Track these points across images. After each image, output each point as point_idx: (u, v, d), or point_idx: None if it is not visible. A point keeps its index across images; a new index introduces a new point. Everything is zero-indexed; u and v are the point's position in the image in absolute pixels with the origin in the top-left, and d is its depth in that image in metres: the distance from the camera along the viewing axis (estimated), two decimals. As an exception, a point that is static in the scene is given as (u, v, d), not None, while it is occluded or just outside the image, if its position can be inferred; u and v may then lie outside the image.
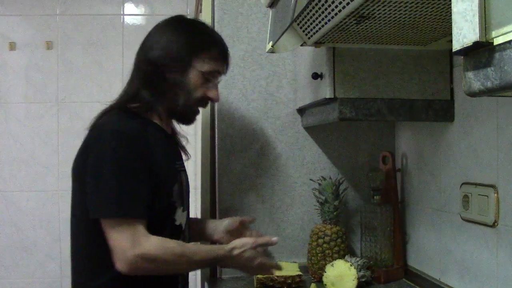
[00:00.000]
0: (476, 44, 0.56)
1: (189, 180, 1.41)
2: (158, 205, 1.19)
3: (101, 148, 1.15)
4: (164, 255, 1.13)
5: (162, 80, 1.24)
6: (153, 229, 1.15)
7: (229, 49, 1.34)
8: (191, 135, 1.76)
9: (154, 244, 1.12)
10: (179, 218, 1.28)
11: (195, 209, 2.19)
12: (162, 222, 1.22)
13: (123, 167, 1.13)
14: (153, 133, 1.23)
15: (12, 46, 2.89)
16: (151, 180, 1.16)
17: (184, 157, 1.41)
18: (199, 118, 1.69)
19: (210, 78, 1.27)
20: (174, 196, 1.24)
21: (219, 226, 1.46)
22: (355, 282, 1.44)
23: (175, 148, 1.38)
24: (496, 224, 1.18)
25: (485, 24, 0.55)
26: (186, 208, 1.33)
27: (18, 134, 2.89)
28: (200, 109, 1.35)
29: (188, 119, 1.33)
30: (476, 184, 1.26)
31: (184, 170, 1.36)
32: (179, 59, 1.23)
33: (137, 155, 1.15)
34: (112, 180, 1.12)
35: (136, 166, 1.14)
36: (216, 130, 1.75)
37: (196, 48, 1.25)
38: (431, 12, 1.01)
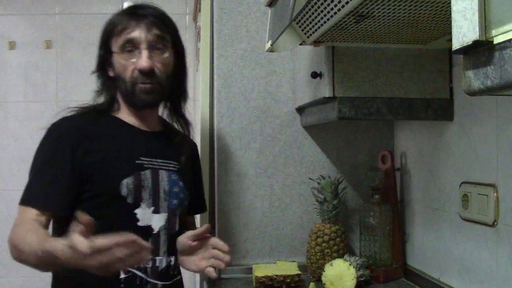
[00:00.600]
0: (475, 43, 0.55)
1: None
2: (95, 194, 1.20)
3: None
4: (17, 242, 1.12)
5: (107, 79, 1.34)
6: (105, 223, 1.04)
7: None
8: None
9: (19, 231, 1.14)
10: (145, 219, 1.23)
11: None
12: (112, 217, 1.19)
13: (39, 159, 1.23)
14: (107, 128, 1.29)
15: (12, 45, 2.88)
16: (80, 171, 1.19)
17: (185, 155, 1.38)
18: (198, 117, 1.69)
19: (130, 49, 1.25)
20: (122, 191, 1.20)
21: (178, 244, 1.32)
22: (354, 282, 1.44)
23: (152, 144, 1.31)
24: (495, 223, 1.18)
25: (485, 22, 0.54)
26: (165, 210, 1.27)
27: (18, 133, 2.89)
28: (143, 86, 1.25)
29: (135, 103, 1.28)
30: (475, 183, 1.26)
31: (164, 169, 1.29)
32: (103, 56, 1.32)
33: (59, 147, 1.22)
34: (30, 171, 1.23)
35: (54, 158, 1.21)
36: (215, 129, 1.75)
37: (106, 38, 1.30)
38: (430, 10, 1.00)
